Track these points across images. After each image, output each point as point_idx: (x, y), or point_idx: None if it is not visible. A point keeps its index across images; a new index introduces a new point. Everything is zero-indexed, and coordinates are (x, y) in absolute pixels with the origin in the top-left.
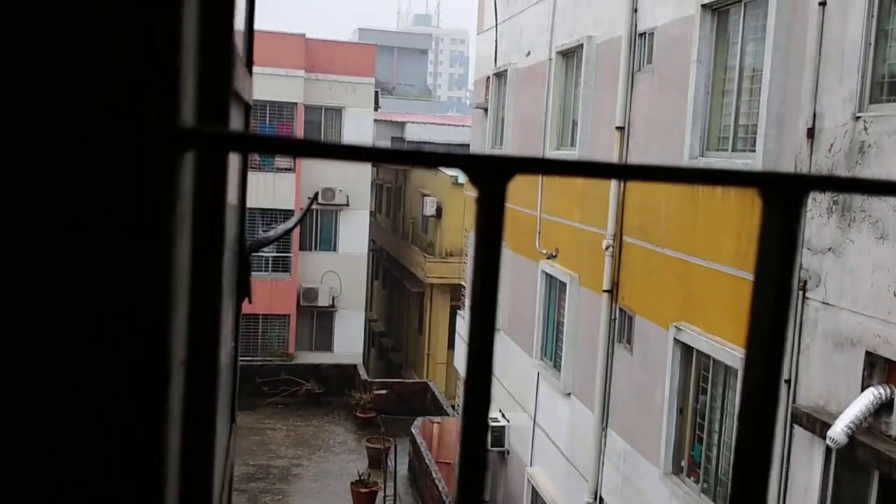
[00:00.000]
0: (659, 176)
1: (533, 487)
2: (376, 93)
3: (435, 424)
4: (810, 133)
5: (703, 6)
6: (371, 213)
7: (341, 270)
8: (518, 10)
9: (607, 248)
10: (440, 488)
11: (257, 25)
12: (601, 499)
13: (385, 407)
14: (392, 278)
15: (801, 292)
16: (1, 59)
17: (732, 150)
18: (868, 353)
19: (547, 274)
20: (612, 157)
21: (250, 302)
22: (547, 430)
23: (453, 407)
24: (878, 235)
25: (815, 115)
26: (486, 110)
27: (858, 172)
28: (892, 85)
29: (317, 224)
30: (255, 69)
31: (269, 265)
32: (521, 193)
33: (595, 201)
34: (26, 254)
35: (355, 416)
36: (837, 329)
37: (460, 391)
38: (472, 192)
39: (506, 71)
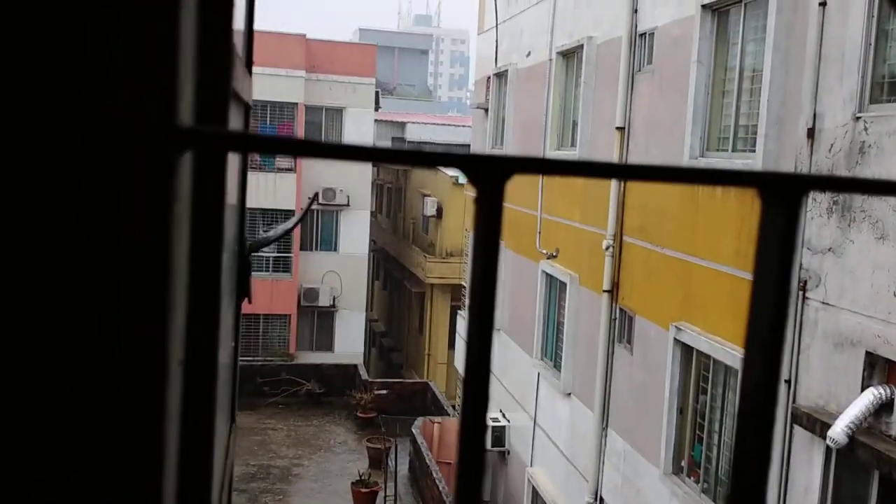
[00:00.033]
0: (657, 176)
1: (533, 487)
2: (377, 93)
3: (435, 424)
4: (810, 133)
5: (704, 6)
6: (372, 213)
7: (342, 270)
8: (518, 11)
9: (607, 248)
10: (441, 488)
11: (257, 26)
12: (601, 499)
13: (385, 407)
14: (393, 278)
15: (801, 292)
16: (1, 59)
17: (733, 151)
18: (868, 354)
19: (547, 274)
20: (613, 157)
21: (250, 302)
22: (547, 430)
23: (454, 407)
24: (878, 235)
25: (815, 115)
26: (486, 110)
27: (859, 173)
28: (893, 85)
29: (317, 224)
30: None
31: (270, 265)
32: (522, 193)
33: (595, 201)
34: (26, 254)
35: (356, 416)
36: (837, 329)
37: (460, 391)
38: (472, 192)
39: (506, 71)
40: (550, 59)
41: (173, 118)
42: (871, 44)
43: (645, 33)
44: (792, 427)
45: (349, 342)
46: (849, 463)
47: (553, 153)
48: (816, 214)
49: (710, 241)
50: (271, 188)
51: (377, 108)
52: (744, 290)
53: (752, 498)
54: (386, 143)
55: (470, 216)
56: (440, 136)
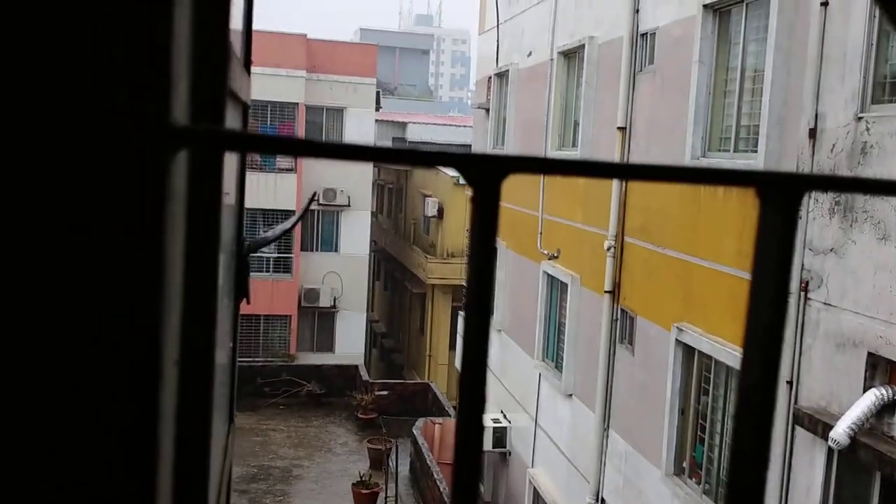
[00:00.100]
0: (654, 175)
1: (534, 488)
2: (378, 93)
3: (436, 425)
4: (812, 133)
5: (705, 6)
6: (372, 213)
7: (343, 271)
8: (519, 11)
9: (609, 248)
10: (441, 489)
11: (258, 26)
12: (603, 500)
13: (386, 408)
14: (393, 279)
15: (803, 293)
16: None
17: (734, 151)
18: (870, 354)
19: (548, 275)
20: (614, 157)
21: (248, 302)
22: (548, 431)
23: (455, 408)
24: (879, 236)
25: (816, 115)
26: (487, 111)
27: (860, 173)
28: (894, 85)
29: (318, 225)
30: (256, 69)
31: (271, 266)
32: (523, 194)
33: (596, 202)
34: (25, 254)
35: (356, 416)
36: (839, 330)
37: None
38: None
39: (507, 71)
40: (552, 59)
41: (167, 117)
42: (872, 44)
43: (646, 33)
44: (794, 428)
45: (350, 343)
46: (850, 464)
47: (554, 153)
48: (818, 215)
49: (711, 242)
50: (272, 188)
51: (378, 108)
52: (745, 291)
53: (750, 498)
54: (387, 144)
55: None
56: (441, 137)
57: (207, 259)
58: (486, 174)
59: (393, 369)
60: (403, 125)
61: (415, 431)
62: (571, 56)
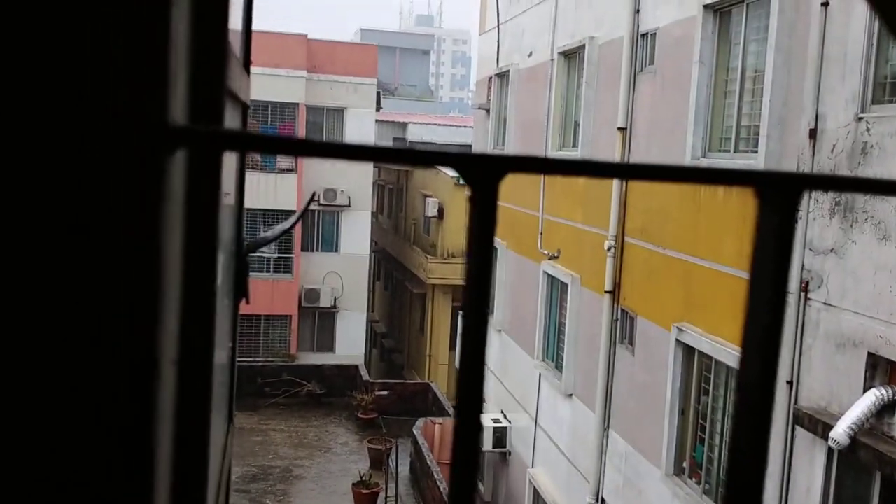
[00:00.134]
0: (652, 175)
1: (534, 488)
2: (378, 93)
3: (436, 425)
4: (812, 134)
5: (705, 7)
6: (373, 213)
7: (343, 271)
8: (520, 11)
9: (609, 248)
10: (441, 489)
11: (258, 26)
12: (603, 500)
13: (386, 408)
14: (394, 279)
15: (803, 293)
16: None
17: (735, 151)
18: (870, 355)
19: (549, 275)
20: (614, 157)
21: (248, 302)
22: (548, 431)
23: (455, 407)
24: (880, 236)
25: (817, 115)
26: (488, 111)
27: (861, 173)
28: (895, 86)
29: (319, 225)
30: (257, 70)
31: (271, 266)
32: (523, 194)
33: (597, 202)
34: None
35: (357, 416)
36: (839, 330)
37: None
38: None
39: (508, 71)
40: (552, 60)
41: (165, 116)
42: (873, 44)
43: (647, 33)
44: (794, 428)
45: (350, 343)
46: (851, 464)
47: (555, 154)
48: (818, 215)
49: (711, 242)
50: (272, 189)
51: (378, 108)
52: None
53: (748, 497)
54: (387, 144)
55: None
56: (441, 137)
57: (206, 259)
58: (484, 174)
59: (393, 369)
60: (404, 125)
61: (415, 431)
62: (572, 56)
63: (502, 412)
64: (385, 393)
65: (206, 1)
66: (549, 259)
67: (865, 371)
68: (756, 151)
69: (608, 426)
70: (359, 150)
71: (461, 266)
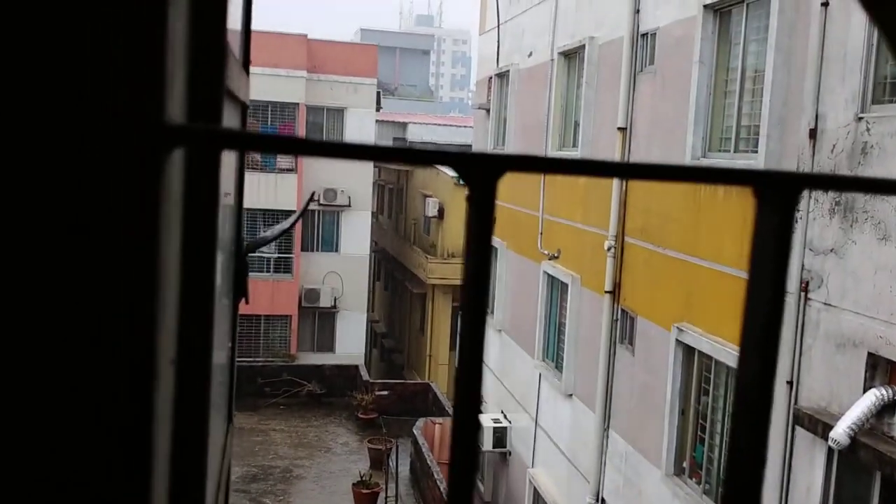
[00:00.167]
0: (650, 174)
1: (535, 488)
2: (378, 93)
3: (436, 425)
4: (813, 134)
5: (706, 7)
6: (373, 214)
7: (343, 271)
8: (520, 11)
9: (609, 249)
10: (441, 489)
11: (258, 26)
12: (603, 500)
13: (387, 408)
14: (394, 279)
15: (803, 293)
16: None
17: (735, 151)
18: (870, 355)
19: (549, 275)
20: (615, 157)
21: (247, 302)
22: (548, 431)
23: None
24: (880, 236)
25: (817, 115)
26: (488, 111)
27: (861, 173)
28: (895, 86)
29: (319, 225)
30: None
31: (271, 266)
32: (524, 194)
33: (597, 202)
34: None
35: (357, 416)
36: (839, 330)
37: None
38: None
39: (508, 71)
40: (552, 60)
41: (161, 115)
42: (873, 44)
43: (647, 33)
44: (794, 428)
45: (350, 343)
46: (851, 464)
47: (555, 154)
48: (818, 215)
49: (711, 242)
50: (272, 189)
51: (378, 108)
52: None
53: (746, 495)
54: (387, 144)
55: None
56: (442, 137)
57: (204, 258)
58: (482, 173)
59: (393, 369)
60: (404, 125)
61: (415, 431)
62: (572, 56)
63: (502, 412)
64: (385, 393)
65: (204, 0)
66: (550, 259)
67: (865, 371)
68: (756, 151)
69: (608, 426)
70: (356, 149)
71: (461, 266)
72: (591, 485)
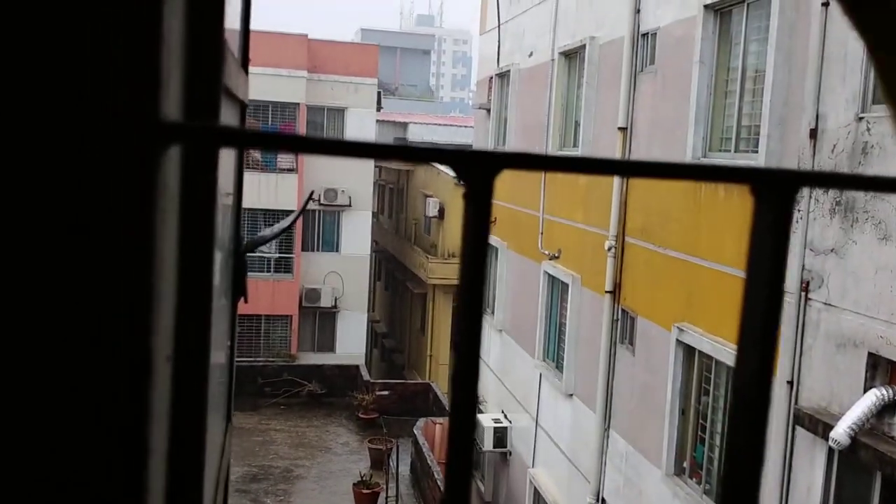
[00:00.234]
0: (647, 172)
1: (535, 488)
2: (379, 93)
3: (437, 425)
4: (813, 134)
5: (706, 7)
6: (373, 213)
7: (344, 271)
8: (521, 11)
9: (609, 248)
10: (442, 489)
11: (259, 26)
12: (603, 500)
13: (387, 408)
14: (394, 279)
15: (803, 293)
16: None
17: (735, 151)
18: (871, 355)
19: (549, 275)
20: (615, 157)
21: (246, 301)
22: (549, 431)
23: None
24: (880, 236)
25: (817, 115)
26: (488, 111)
27: (861, 173)
28: None
29: (319, 225)
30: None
31: (272, 266)
32: (524, 194)
33: (597, 202)
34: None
35: (357, 416)
36: (840, 330)
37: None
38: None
39: (508, 71)
40: (553, 60)
41: (156, 112)
42: None
43: (647, 33)
44: (794, 428)
45: (351, 343)
46: (851, 464)
47: (556, 153)
48: (819, 215)
49: (712, 242)
50: (273, 189)
51: (379, 108)
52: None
53: (744, 493)
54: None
55: None
56: (442, 137)
57: (202, 256)
58: (478, 170)
59: (394, 369)
60: (404, 125)
61: (416, 431)
62: (572, 56)
63: (503, 412)
64: (386, 393)
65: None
66: (550, 259)
67: (866, 371)
68: (756, 151)
69: (609, 426)
70: (352, 147)
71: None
72: (592, 485)
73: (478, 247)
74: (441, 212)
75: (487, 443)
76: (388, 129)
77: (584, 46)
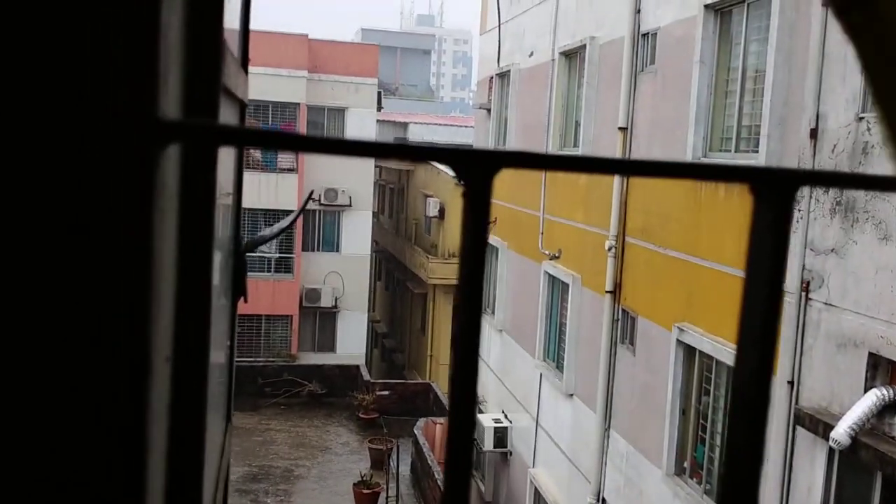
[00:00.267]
0: (645, 171)
1: (535, 488)
2: (379, 93)
3: (437, 425)
4: (813, 133)
5: (706, 7)
6: (374, 213)
7: (344, 271)
8: (521, 11)
9: (610, 248)
10: (442, 489)
11: (260, 26)
12: (604, 500)
13: (387, 408)
14: (395, 279)
15: (803, 293)
16: None
17: (735, 151)
18: (871, 355)
19: (550, 275)
20: (615, 157)
21: (246, 301)
22: (549, 431)
23: None
24: (881, 236)
25: (818, 115)
26: (489, 111)
27: (861, 173)
28: None
29: (320, 225)
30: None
31: (272, 266)
32: (524, 194)
33: (598, 202)
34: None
35: (358, 416)
36: (840, 330)
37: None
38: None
39: (509, 71)
40: (553, 60)
41: (154, 111)
42: None
43: (647, 33)
44: (794, 428)
45: (351, 343)
46: (852, 464)
47: (556, 153)
48: (819, 215)
49: (712, 242)
50: (273, 189)
51: (379, 108)
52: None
53: (744, 493)
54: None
55: None
56: (443, 137)
57: (201, 256)
58: (477, 169)
59: (394, 369)
60: (405, 125)
61: (416, 431)
62: (573, 56)
63: (503, 412)
64: (386, 393)
65: None
66: (550, 259)
67: (866, 371)
68: (757, 151)
69: (609, 426)
70: (353, 146)
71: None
72: (592, 485)
73: (477, 245)
74: (441, 212)
75: (488, 443)
76: (389, 129)
77: (584, 46)
